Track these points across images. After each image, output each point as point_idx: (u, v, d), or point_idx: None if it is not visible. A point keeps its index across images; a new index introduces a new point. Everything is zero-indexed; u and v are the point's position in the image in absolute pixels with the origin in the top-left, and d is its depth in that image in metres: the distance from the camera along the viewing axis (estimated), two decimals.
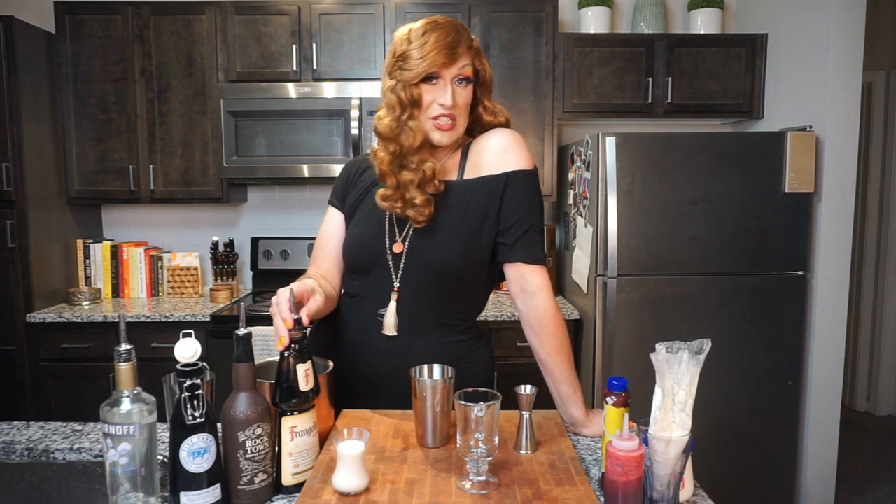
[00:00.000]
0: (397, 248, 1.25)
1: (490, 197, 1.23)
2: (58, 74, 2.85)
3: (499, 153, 1.23)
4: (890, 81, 3.83)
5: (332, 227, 1.36)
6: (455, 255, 1.22)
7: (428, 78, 1.19)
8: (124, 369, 0.86)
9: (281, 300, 1.01)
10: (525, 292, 1.23)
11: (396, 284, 1.24)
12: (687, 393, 0.82)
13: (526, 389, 1.06)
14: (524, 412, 1.06)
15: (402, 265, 1.24)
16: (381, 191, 1.24)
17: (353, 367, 1.28)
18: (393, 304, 1.24)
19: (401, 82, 1.19)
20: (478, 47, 1.25)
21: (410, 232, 1.24)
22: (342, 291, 1.36)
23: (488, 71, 1.27)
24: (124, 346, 0.86)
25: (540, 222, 1.26)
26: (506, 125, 1.31)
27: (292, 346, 0.97)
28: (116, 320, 2.66)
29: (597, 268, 2.51)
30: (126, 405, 0.85)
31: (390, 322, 1.23)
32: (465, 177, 1.26)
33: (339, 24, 2.84)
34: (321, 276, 1.32)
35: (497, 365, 2.50)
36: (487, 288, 1.33)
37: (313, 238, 1.42)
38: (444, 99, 1.18)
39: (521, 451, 1.05)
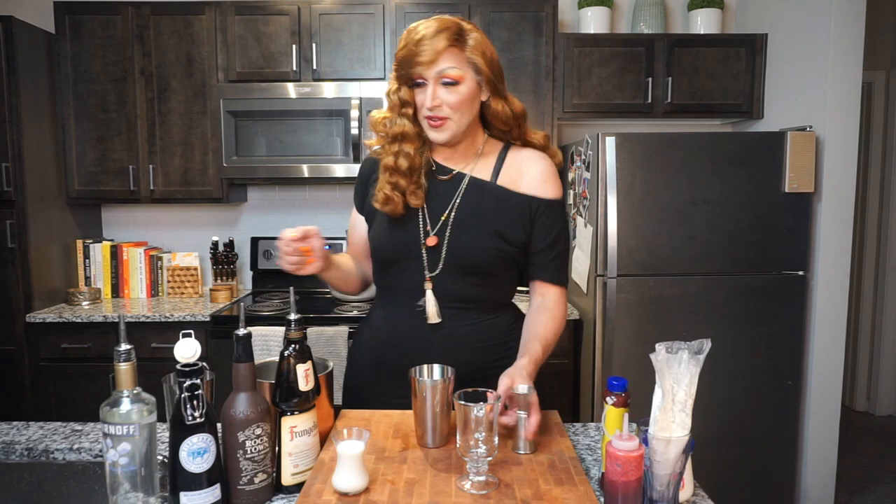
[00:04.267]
0: (431, 241, 1.29)
1: (523, 212, 1.30)
2: (58, 74, 2.85)
3: (538, 179, 1.31)
4: (890, 81, 3.83)
5: (356, 228, 1.45)
6: (488, 250, 1.27)
7: (414, 83, 1.24)
8: (124, 369, 0.86)
9: (283, 234, 1.16)
10: (543, 303, 1.34)
11: (429, 275, 1.29)
12: (687, 393, 0.82)
13: (525, 389, 1.06)
14: (523, 412, 1.06)
15: (438, 257, 1.29)
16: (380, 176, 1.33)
17: (399, 360, 1.29)
18: (430, 293, 1.28)
19: (395, 86, 1.27)
20: (473, 45, 1.22)
21: (448, 224, 1.29)
22: (377, 289, 1.43)
23: (485, 65, 1.23)
24: (124, 346, 0.86)
25: (566, 248, 1.37)
26: (521, 115, 1.33)
27: (292, 346, 0.98)
28: (116, 320, 2.66)
29: (597, 268, 2.51)
30: (126, 405, 0.85)
31: (432, 311, 1.28)
32: (499, 182, 1.31)
33: (339, 24, 2.84)
34: (352, 256, 1.45)
35: None
36: (518, 274, 1.39)
37: None
38: (426, 101, 1.23)
39: (521, 452, 1.05)
